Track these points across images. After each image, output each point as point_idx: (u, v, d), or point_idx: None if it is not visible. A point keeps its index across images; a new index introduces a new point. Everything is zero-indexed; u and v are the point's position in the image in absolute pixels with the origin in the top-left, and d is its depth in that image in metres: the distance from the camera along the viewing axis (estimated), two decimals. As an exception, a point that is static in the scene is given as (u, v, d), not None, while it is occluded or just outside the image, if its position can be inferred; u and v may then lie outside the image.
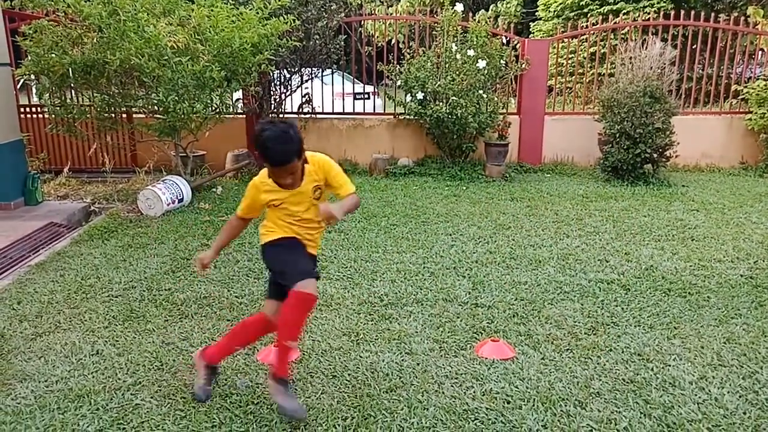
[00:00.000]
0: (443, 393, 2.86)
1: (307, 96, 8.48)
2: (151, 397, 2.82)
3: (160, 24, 5.85)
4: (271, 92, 8.20)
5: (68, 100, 6.86)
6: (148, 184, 6.44)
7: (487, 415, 2.69)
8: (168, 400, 2.80)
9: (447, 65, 7.87)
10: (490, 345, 3.28)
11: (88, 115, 6.57)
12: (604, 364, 3.13)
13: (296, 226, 2.72)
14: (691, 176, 8.27)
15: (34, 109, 8.06)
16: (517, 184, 7.60)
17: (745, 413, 2.71)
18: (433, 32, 8.41)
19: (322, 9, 7.90)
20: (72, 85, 6.44)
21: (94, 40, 5.77)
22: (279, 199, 2.68)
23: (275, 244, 2.72)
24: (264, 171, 2.70)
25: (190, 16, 6.19)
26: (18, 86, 7.71)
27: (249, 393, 2.85)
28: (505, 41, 8.58)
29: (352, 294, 4.04)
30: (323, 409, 2.73)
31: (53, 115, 6.48)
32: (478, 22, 8.14)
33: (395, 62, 8.39)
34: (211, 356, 2.88)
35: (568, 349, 3.29)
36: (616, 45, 8.79)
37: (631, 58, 7.72)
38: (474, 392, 2.86)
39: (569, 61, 9.93)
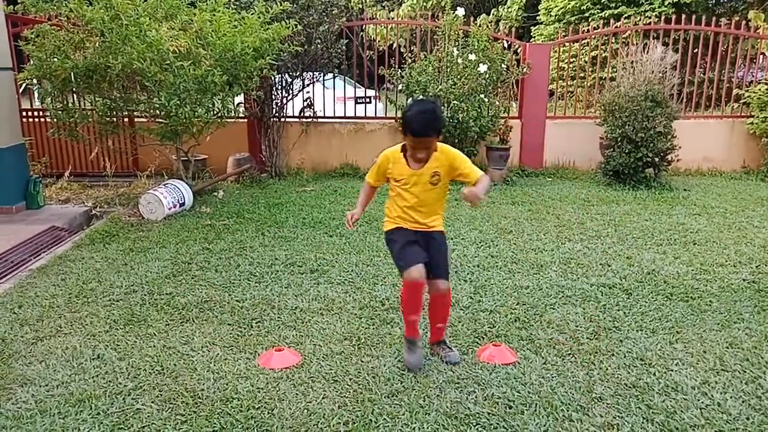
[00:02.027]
0: (445, 398, 2.85)
1: (308, 100, 8.49)
2: (152, 402, 2.82)
3: (162, 28, 5.86)
4: (273, 97, 8.21)
5: (70, 105, 6.87)
6: (150, 188, 6.44)
7: (488, 420, 2.68)
8: (169, 405, 2.79)
9: (448, 69, 7.87)
10: (492, 349, 3.27)
11: (90, 119, 6.58)
12: (606, 369, 3.12)
13: (409, 210, 3.09)
14: (693, 180, 8.26)
15: (36, 113, 8.08)
16: (519, 188, 7.60)
17: (748, 418, 2.70)
18: (435, 36, 8.41)
19: (324, 13, 7.91)
20: (74, 89, 6.45)
21: (97, 45, 5.79)
22: (400, 174, 3.06)
23: (390, 234, 3.19)
24: (398, 146, 3.08)
25: (192, 20, 6.21)
26: (20, 90, 7.73)
27: (251, 398, 2.85)
28: (506, 45, 8.59)
29: (353, 298, 4.03)
30: (325, 414, 2.72)
31: (55, 119, 6.48)
32: (480, 26, 8.15)
33: (396, 66, 8.40)
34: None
35: (570, 354, 3.28)
36: (618, 49, 8.80)
37: (632, 62, 7.72)
38: (476, 397, 2.85)
39: (570, 65, 9.93)
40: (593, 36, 9.00)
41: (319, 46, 7.85)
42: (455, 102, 7.56)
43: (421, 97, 7.59)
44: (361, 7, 10.92)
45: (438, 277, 3.10)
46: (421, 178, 3.03)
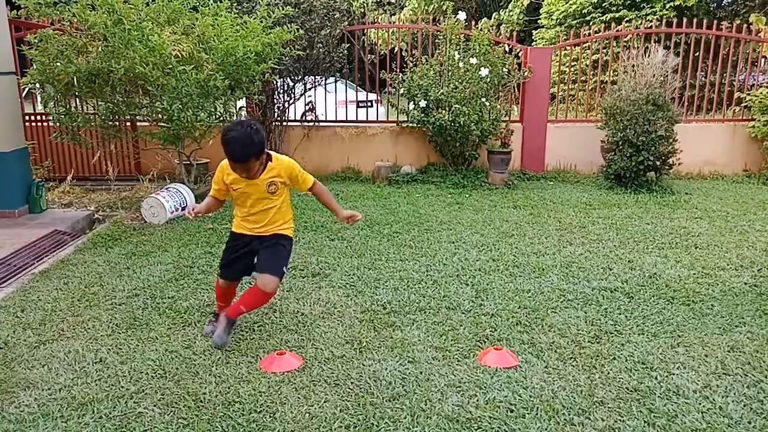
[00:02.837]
0: (446, 401, 2.85)
1: (310, 104, 8.51)
2: (154, 406, 2.82)
3: (165, 33, 5.89)
4: (275, 101, 8.23)
5: (73, 109, 6.89)
6: (152, 192, 6.46)
7: (490, 423, 2.68)
8: (171, 409, 2.80)
9: (450, 73, 7.89)
10: (494, 353, 3.27)
11: (92, 124, 6.60)
12: (608, 373, 3.12)
13: (248, 216, 3.35)
14: (695, 184, 8.26)
15: (38, 118, 8.10)
16: (520, 192, 7.60)
17: (749, 422, 2.70)
18: (436, 40, 8.44)
19: (326, 18, 7.94)
20: (77, 93, 6.47)
21: (99, 49, 5.81)
22: (237, 185, 3.24)
23: (230, 238, 3.52)
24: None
25: (194, 24, 6.23)
26: (23, 94, 7.76)
27: (252, 401, 2.85)
28: (507, 49, 8.60)
29: (354, 302, 4.04)
30: (326, 418, 2.72)
31: (58, 124, 6.50)
32: (481, 30, 8.17)
33: (398, 70, 8.42)
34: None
35: (571, 358, 3.28)
36: (619, 53, 8.81)
37: (633, 65, 7.73)
38: (477, 401, 2.86)
39: (572, 69, 9.94)
40: (594, 39, 9.01)
41: (320, 50, 7.87)
42: (456, 106, 7.58)
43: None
44: (362, 11, 10.95)
45: (263, 271, 3.33)
46: (258, 188, 3.22)
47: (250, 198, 3.26)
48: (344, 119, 8.90)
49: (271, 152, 3.26)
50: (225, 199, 3.46)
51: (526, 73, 8.45)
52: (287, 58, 7.40)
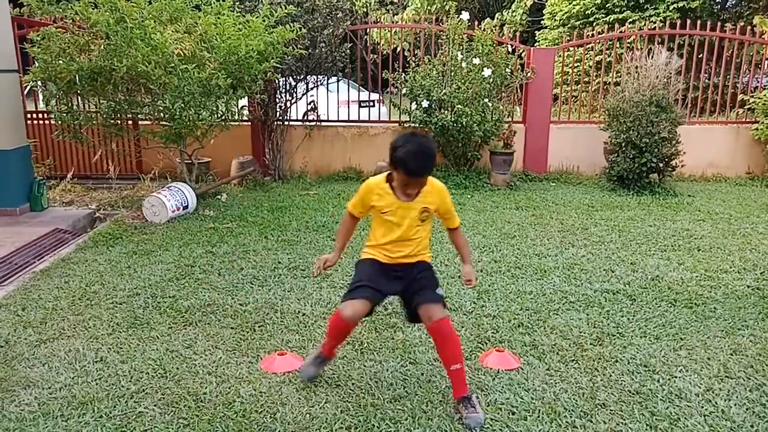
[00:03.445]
0: (448, 403, 2.84)
1: (312, 103, 8.50)
2: (155, 405, 2.81)
3: (167, 31, 5.89)
4: (277, 100, 8.22)
5: (75, 107, 6.89)
6: (153, 190, 6.45)
7: (491, 425, 2.67)
8: (171, 408, 2.79)
9: (452, 73, 7.88)
10: (495, 355, 3.26)
11: (94, 122, 6.60)
12: (610, 375, 3.11)
13: (390, 245, 2.88)
14: (698, 186, 8.24)
15: (40, 116, 8.10)
16: (522, 193, 7.59)
17: (752, 426, 2.68)
18: (439, 40, 8.42)
19: (328, 17, 7.93)
20: (79, 91, 6.46)
21: (102, 47, 5.80)
22: (387, 206, 2.82)
23: (362, 263, 2.98)
24: (383, 175, 2.85)
25: (196, 23, 6.23)
26: (25, 92, 7.76)
27: (253, 402, 2.84)
28: (510, 50, 8.59)
29: (356, 302, 4.02)
30: (327, 419, 2.71)
31: (60, 122, 6.50)
32: (484, 30, 8.15)
33: (400, 70, 8.41)
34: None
35: (573, 360, 3.27)
36: (622, 54, 8.79)
37: (636, 67, 7.71)
38: (479, 403, 2.84)
39: (575, 70, 9.92)
40: (598, 41, 8.99)
41: (323, 49, 7.86)
42: (459, 106, 7.56)
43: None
44: (365, 10, 10.94)
45: (427, 302, 2.76)
46: (411, 212, 2.81)
47: (398, 224, 2.83)
48: (346, 119, 8.89)
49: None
50: (361, 217, 3.04)
51: (529, 74, 8.44)
52: (289, 57, 7.39)
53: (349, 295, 2.84)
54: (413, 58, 8.40)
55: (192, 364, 3.19)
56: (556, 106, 9.70)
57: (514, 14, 17.31)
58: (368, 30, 9.26)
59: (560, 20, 14.48)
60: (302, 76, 8.16)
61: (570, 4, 14.02)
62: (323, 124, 8.69)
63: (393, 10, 18.36)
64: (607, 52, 9.27)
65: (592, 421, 2.71)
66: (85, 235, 5.66)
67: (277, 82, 8.00)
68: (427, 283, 2.86)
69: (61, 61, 5.88)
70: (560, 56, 9.27)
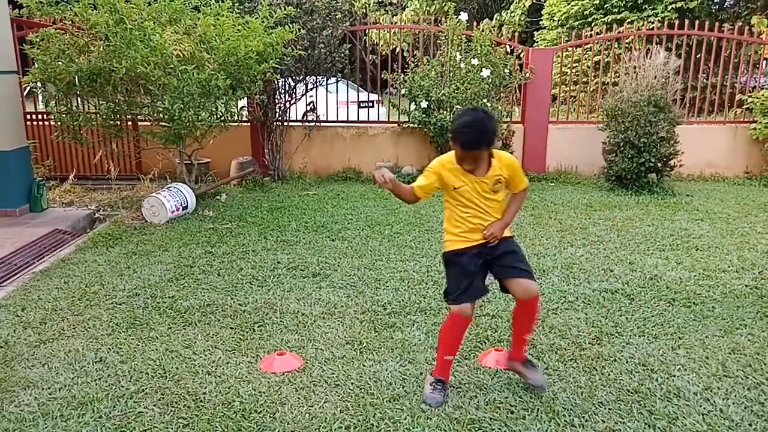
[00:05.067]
0: (447, 403, 2.85)
1: (311, 104, 8.51)
2: (154, 405, 2.82)
3: (166, 32, 5.89)
4: (276, 100, 8.23)
5: (74, 108, 6.90)
6: (153, 191, 6.46)
7: (490, 425, 2.68)
8: (171, 408, 2.80)
9: (451, 74, 7.89)
10: (494, 354, 3.27)
11: (93, 123, 6.61)
12: (608, 374, 3.12)
13: (471, 218, 2.88)
14: (696, 185, 8.25)
15: (40, 117, 8.11)
16: (521, 193, 7.58)
17: (750, 425, 2.69)
18: (438, 41, 8.43)
19: (327, 18, 7.94)
20: (78, 92, 6.48)
21: (101, 49, 5.81)
22: (459, 183, 2.85)
23: (453, 259, 2.97)
24: (452, 153, 2.84)
25: (196, 24, 6.23)
26: (25, 93, 7.76)
27: (252, 402, 2.85)
28: (509, 50, 8.60)
29: (355, 302, 4.04)
30: (326, 418, 2.72)
31: (59, 123, 6.51)
32: (483, 31, 8.16)
33: (399, 71, 8.42)
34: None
35: (572, 359, 3.28)
36: (620, 54, 8.80)
37: (635, 67, 7.72)
38: (478, 402, 2.85)
39: (573, 70, 9.93)
40: (596, 41, 9.01)
41: (322, 50, 7.88)
42: (458, 106, 7.57)
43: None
44: (364, 11, 10.94)
45: (520, 276, 2.82)
46: (485, 186, 2.85)
47: (474, 199, 2.87)
48: (345, 119, 8.90)
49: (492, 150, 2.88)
50: (421, 199, 3.06)
51: (527, 74, 8.45)
52: (289, 58, 7.40)
53: (461, 299, 2.85)
54: (412, 59, 8.41)
55: (191, 364, 3.19)
56: (554, 106, 9.72)
57: (512, 15, 17.32)
58: (367, 31, 9.27)
59: (559, 21, 14.49)
60: (301, 77, 8.17)
61: (568, 4, 14.05)
62: (322, 124, 8.70)
63: (392, 10, 18.37)
64: (606, 52, 9.29)
65: (590, 420, 2.72)
66: (84, 235, 5.67)
67: (276, 82, 8.01)
68: (518, 257, 2.90)
69: (60, 63, 5.89)
70: (559, 57, 9.29)
